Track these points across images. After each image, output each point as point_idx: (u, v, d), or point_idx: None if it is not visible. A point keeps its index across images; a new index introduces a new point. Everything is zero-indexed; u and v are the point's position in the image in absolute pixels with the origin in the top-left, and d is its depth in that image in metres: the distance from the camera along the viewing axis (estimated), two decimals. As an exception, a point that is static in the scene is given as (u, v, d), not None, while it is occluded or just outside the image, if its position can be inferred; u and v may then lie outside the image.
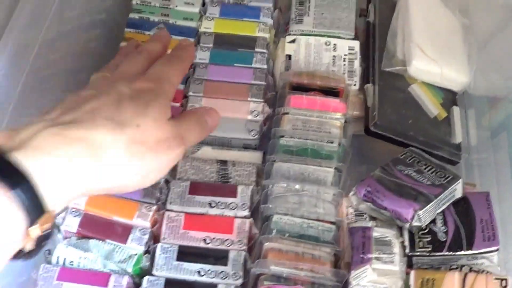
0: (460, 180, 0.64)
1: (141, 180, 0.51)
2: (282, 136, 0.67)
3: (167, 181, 0.65)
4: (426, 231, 0.61)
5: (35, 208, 0.42)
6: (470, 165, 0.74)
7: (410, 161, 0.66)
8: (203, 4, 0.80)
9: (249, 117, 0.70)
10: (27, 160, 0.42)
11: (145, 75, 0.54)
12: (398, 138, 0.71)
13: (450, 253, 0.60)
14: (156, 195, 0.64)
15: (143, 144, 0.49)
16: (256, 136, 0.68)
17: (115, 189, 0.50)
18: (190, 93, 0.71)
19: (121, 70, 0.55)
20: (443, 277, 0.57)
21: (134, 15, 0.78)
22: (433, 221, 0.62)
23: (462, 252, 0.60)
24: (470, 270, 0.60)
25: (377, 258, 0.59)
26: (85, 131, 0.46)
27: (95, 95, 0.50)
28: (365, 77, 0.75)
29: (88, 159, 0.46)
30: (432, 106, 0.74)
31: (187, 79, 0.72)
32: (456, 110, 0.75)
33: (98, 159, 0.46)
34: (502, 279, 0.56)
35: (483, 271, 0.59)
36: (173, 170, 0.66)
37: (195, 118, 0.56)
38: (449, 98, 0.76)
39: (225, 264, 0.60)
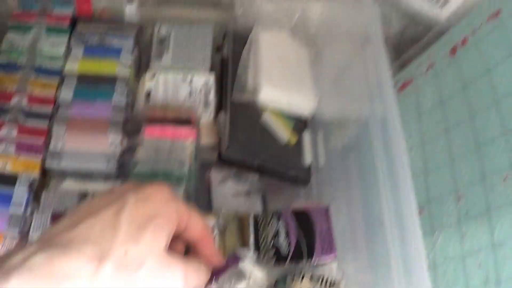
0: None
1: None
2: (137, 165, 0.70)
3: (32, 213, 0.68)
4: (270, 246, 0.65)
5: None
6: (321, 182, 0.79)
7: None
8: (68, 46, 0.81)
9: (108, 149, 0.73)
10: None
11: None
12: (248, 163, 0.75)
13: (292, 264, 0.64)
14: (21, 226, 0.67)
15: None
16: (114, 166, 0.72)
17: None
18: (54, 130, 0.73)
19: None
20: None
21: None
22: (277, 236, 0.66)
23: (303, 262, 0.64)
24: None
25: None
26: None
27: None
28: (220, 108, 0.78)
29: None
30: (283, 133, 0.79)
31: (50, 117, 0.75)
32: (306, 135, 0.80)
33: None
34: None
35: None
36: (38, 202, 0.70)
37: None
38: (300, 124, 0.82)
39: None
